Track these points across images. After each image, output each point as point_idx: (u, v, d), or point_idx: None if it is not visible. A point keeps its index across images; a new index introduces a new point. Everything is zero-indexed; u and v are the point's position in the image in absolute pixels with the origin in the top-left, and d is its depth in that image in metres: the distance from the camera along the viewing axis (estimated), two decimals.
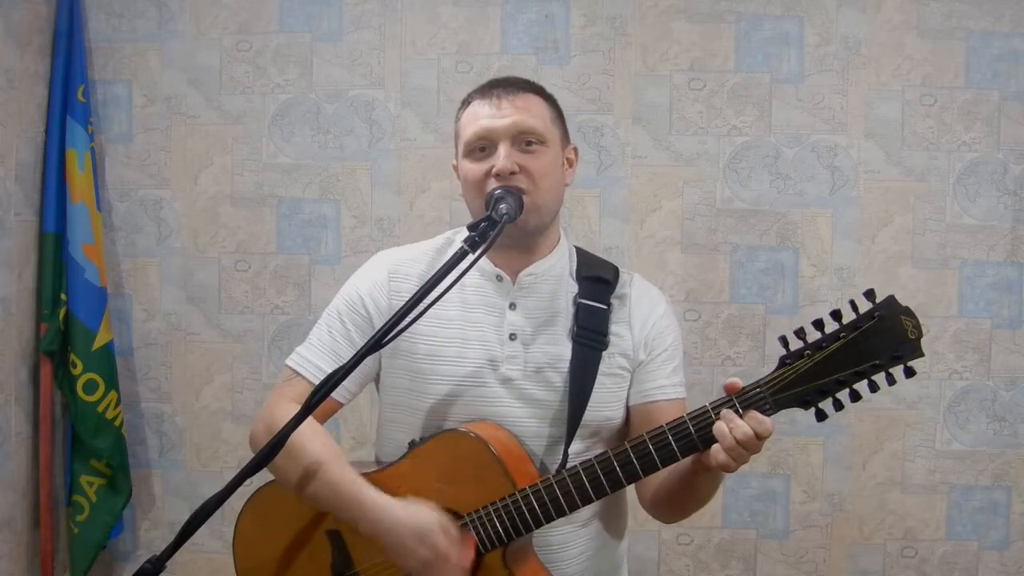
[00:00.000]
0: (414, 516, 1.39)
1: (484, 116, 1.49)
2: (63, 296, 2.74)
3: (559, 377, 1.50)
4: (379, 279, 1.57)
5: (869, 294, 1.28)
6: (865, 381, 1.28)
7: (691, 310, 2.80)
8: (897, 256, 2.79)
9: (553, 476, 1.41)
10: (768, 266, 2.81)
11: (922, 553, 2.81)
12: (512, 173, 1.46)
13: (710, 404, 1.33)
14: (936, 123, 2.78)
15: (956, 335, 2.78)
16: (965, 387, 2.79)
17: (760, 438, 1.29)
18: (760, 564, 2.83)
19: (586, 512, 1.49)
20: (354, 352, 1.35)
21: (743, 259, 2.81)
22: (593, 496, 1.40)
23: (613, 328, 1.53)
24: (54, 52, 2.76)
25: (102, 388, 2.75)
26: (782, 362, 1.31)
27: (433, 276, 1.35)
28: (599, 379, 1.50)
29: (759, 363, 2.78)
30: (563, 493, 1.40)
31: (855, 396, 1.30)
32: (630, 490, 1.52)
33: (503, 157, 1.46)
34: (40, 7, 2.76)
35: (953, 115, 2.77)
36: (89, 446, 2.74)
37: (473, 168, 1.50)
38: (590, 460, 1.40)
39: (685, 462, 1.38)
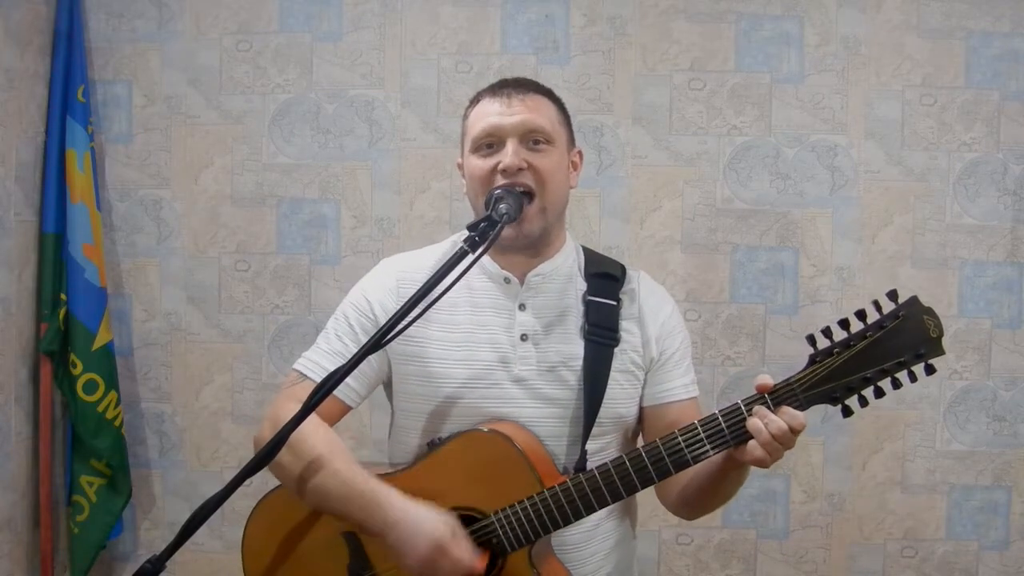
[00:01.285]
0: (430, 522, 1.38)
1: (493, 113, 1.50)
2: (63, 296, 2.74)
3: (573, 375, 1.50)
4: (388, 285, 1.56)
5: (892, 295, 1.32)
6: (889, 378, 1.33)
7: (691, 310, 2.80)
8: (897, 256, 2.79)
9: (583, 474, 1.41)
10: (768, 266, 2.81)
11: (922, 553, 2.81)
12: (519, 169, 1.46)
13: (742, 401, 1.35)
14: (936, 123, 2.78)
15: (956, 335, 2.78)
16: (965, 387, 2.79)
17: (794, 432, 1.32)
18: (760, 564, 2.83)
19: (602, 511, 1.50)
20: (364, 356, 1.35)
21: (743, 259, 2.81)
22: (624, 493, 1.40)
23: (623, 324, 1.54)
24: (54, 52, 2.76)
25: (102, 388, 2.75)
26: (812, 360, 1.34)
27: (433, 276, 1.35)
28: (612, 376, 1.50)
29: (759, 363, 2.78)
30: (592, 490, 1.40)
31: (879, 393, 1.34)
32: None
33: (511, 154, 1.47)
34: (40, 7, 2.76)
35: (953, 115, 2.77)
36: (89, 446, 2.74)
37: (480, 164, 1.50)
38: (620, 458, 1.40)
39: (714, 460, 1.39)
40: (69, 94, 2.75)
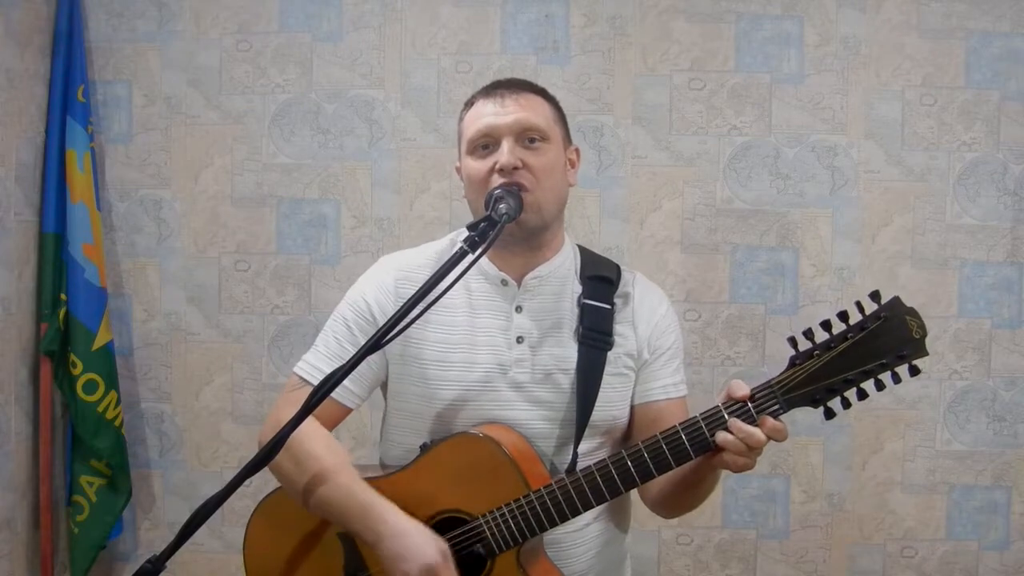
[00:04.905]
0: (425, 543, 1.38)
1: (488, 114, 1.50)
2: (63, 296, 2.74)
3: (567, 379, 1.50)
4: (386, 284, 1.56)
5: (875, 295, 1.30)
6: (872, 380, 1.31)
7: (691, 310, 2.80)
8: (897, 256, 2.79)
9: (567, 477, 1.42)
10: (768, 266, 2.81)
11: (922, 553, 2.81)
12: (515, 168, 1.46)
13: (723, 405, 1.35)
14: (936, 123, 2.78)
15: (956, 335, 2.78)
16: (965, 387, 2.79)
17: (776, 441, 1.34)
18: (760, 564, 2.83)
19: (594, 509, 1.50)
20: (362, 358, 1.35)
21: (743, 259, 2.81)
22: (607, 496, 1.41)
23: (617, 328, 1.54)
24: (54, 52, 2.76)
25: (102, 388, 2.75)
26: (792, 362, 1.33)
27: (432, 277, 1.35)
28: (605, 379, 1.51)
29: (759, 363, 2.78)
30: (577, 493, 1.41)
31: (862, 395, 1.33)
32: None
33: (507, 152, 1.47)
34: (40, 7, 2.76)
35: (953, 115, 2.77)
36: (89, 446, 2.74)
37: (476, 165, 1.50)
38: (604, 461, 1.41)
39: (694, 460, 1.40)
40: (69, 94, 2.75)
